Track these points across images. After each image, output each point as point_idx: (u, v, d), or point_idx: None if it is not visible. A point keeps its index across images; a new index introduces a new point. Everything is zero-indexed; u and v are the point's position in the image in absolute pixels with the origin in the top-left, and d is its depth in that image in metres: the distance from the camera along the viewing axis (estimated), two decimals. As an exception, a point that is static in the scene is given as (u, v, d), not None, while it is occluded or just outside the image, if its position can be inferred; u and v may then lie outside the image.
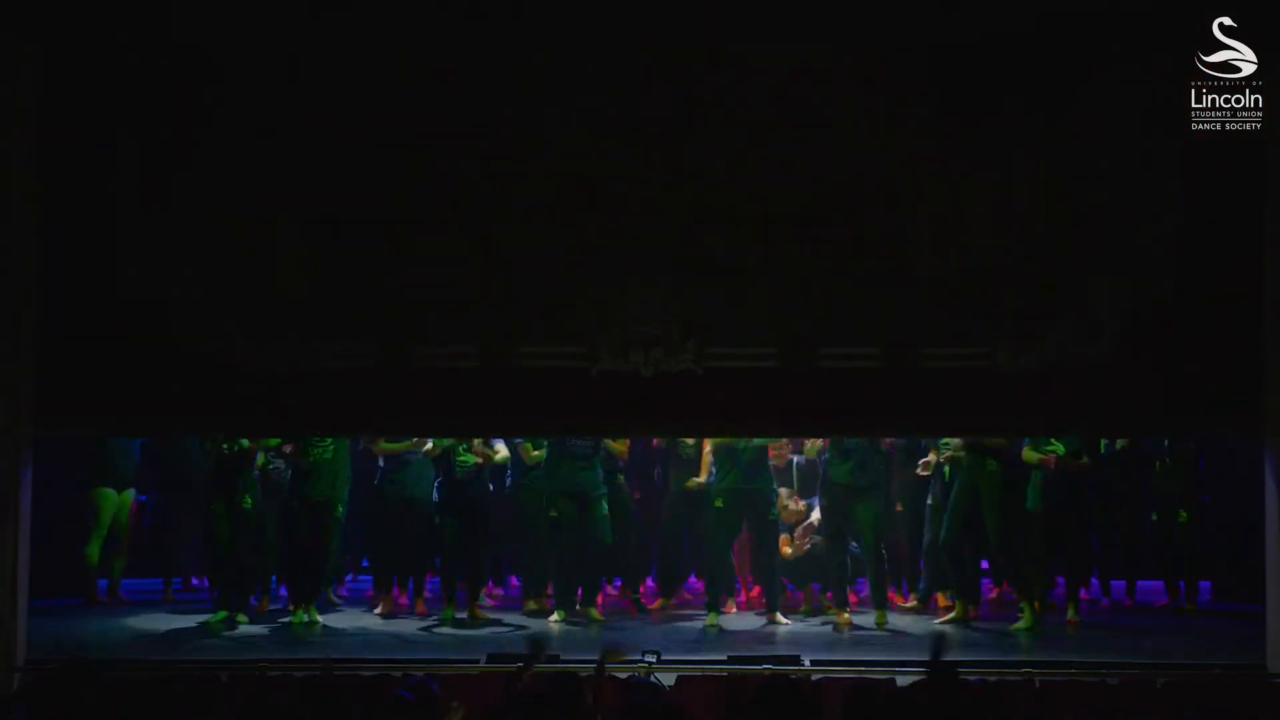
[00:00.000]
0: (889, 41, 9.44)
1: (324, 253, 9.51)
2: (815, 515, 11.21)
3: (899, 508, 11.57)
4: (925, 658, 6.09)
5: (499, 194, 9.49)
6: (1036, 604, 10.76)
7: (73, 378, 9.43)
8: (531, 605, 11.36)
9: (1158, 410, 9.48)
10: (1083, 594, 11.33)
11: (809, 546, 11.22)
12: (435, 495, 11.14)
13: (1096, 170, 9.42)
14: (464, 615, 10.98)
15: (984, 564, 11.52)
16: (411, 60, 9.49)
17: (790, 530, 11.24)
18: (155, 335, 9.42)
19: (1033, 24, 9.37)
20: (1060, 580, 11.39)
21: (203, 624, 10.81)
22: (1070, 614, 10.96)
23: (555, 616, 11.00)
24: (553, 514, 11.07)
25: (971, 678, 7.98)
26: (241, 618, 10.95)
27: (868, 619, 10.96)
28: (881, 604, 11.07)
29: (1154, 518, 11.65)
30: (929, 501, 11.23)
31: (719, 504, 11.06)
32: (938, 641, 6.08)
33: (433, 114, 9.49)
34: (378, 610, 11.32)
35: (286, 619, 10.97)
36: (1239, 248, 9.30)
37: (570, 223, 9.46)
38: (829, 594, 11.32)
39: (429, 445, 11.11)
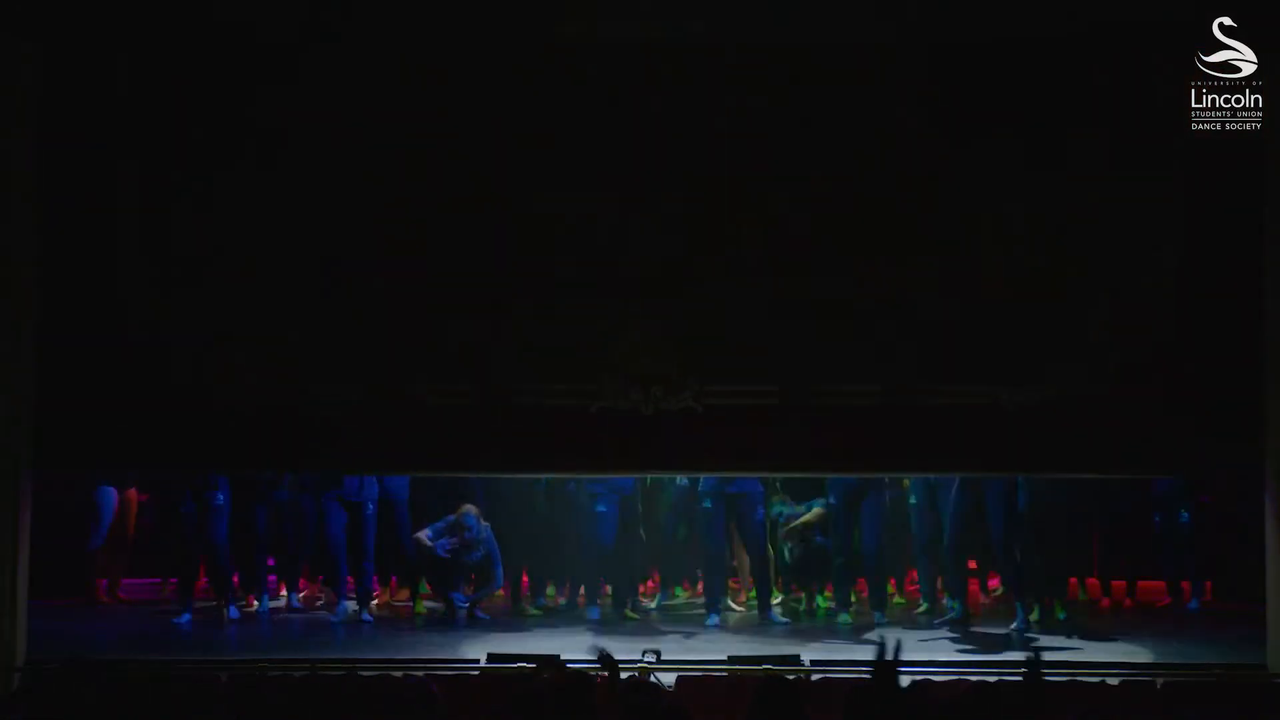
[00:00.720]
0: (887, 39, 9.43)
1: (323, 289, 9.49)
2: (815, 513, 11.21)
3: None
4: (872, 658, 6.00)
5: (498, 230, 9.46)
6: (1035, 603, 10.79)
7: (72, 417, 9.40)
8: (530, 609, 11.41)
9: (1159, 447, 9.46)
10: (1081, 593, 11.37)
11: (809, 547, 11.23)
12: None
13: (1096, 173, 9.42)
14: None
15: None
16: (414, 95, 9.46)
17: (793, 533, 11.24)
18: (154, 370, 9.39)
19: (1032, 25, 9.37)
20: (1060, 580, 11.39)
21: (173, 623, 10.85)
22: (1061, 614, 10.99)
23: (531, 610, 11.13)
24: (601, 509, 11.10)
25: (971, 678, 8.01)
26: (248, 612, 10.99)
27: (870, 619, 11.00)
28: (880, 604, 11.09)
29: (1156, 518, 11.64)
30: (912, 500, 11.24)
31: (706, 504, 11.10)
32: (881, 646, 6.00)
33: (433, 149, 9.47)
34: (375, 604, 11.34)
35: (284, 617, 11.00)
36: (1240, 276, 9.30)
37: (570, 259, 9.45)
38: (829, 592, 11.35)
39: (423, 534, 11.12)
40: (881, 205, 9.43)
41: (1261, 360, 9.23)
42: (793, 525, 11.21)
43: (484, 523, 11.08)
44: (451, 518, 11.05)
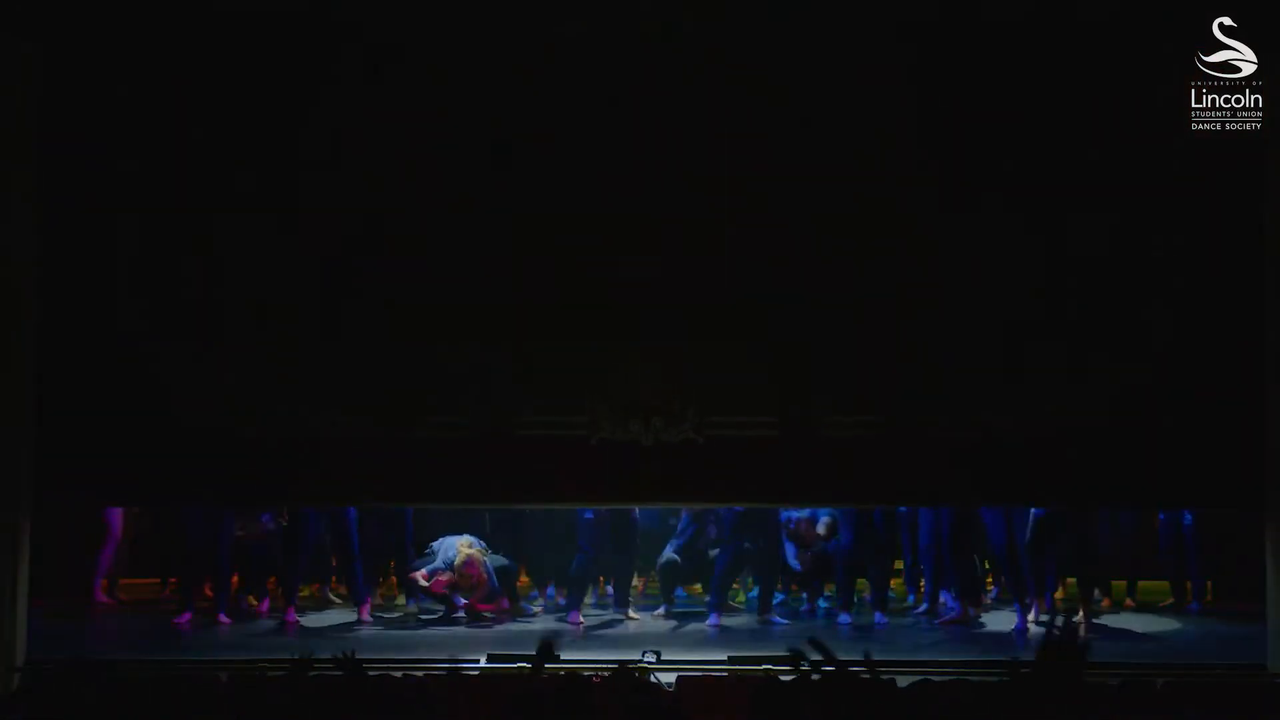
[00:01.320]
0: (884, 40, 9.42)
1: (325, 321, 9.48)
2: (822, 523, 11.18)
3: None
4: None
5: (498, 262, 9.47)
6: (1034, 603, 10.79)
7: (72, 445, 9.40)
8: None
9: (1154, 482, 9.51)
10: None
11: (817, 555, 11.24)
12: None
13: (1096, 175, 9.41)
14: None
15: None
16: (414, 130, 9.47)
17: (799, 542, 11.23)
18: (155, 403, 9.41)
19: (1030, 25, 9.36)
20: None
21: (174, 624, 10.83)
22: (1079, 615, 10.98)
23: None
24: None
25: (972, 678, 8.00)
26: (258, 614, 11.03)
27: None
28: (882, 604, 11.08)
29: (1160, 517, 11.63)
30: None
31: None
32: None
33: (432, 182, 9.47)
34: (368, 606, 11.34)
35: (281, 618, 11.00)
36: (1241, 281, 9.31)
37: (570, 291, 9.46)
38: (829, 589, 11.35)
39: (418, 575, 11.00)
40: (880, 233, 9.42)
41: (1262, 377, 9.22)
42: (802, 534, 11.17)
43: (487, 558, 11.02)
44: (452, 556, 10.95)
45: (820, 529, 11.13)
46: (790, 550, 11.22)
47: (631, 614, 11.12)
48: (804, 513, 11.13)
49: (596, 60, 9.45)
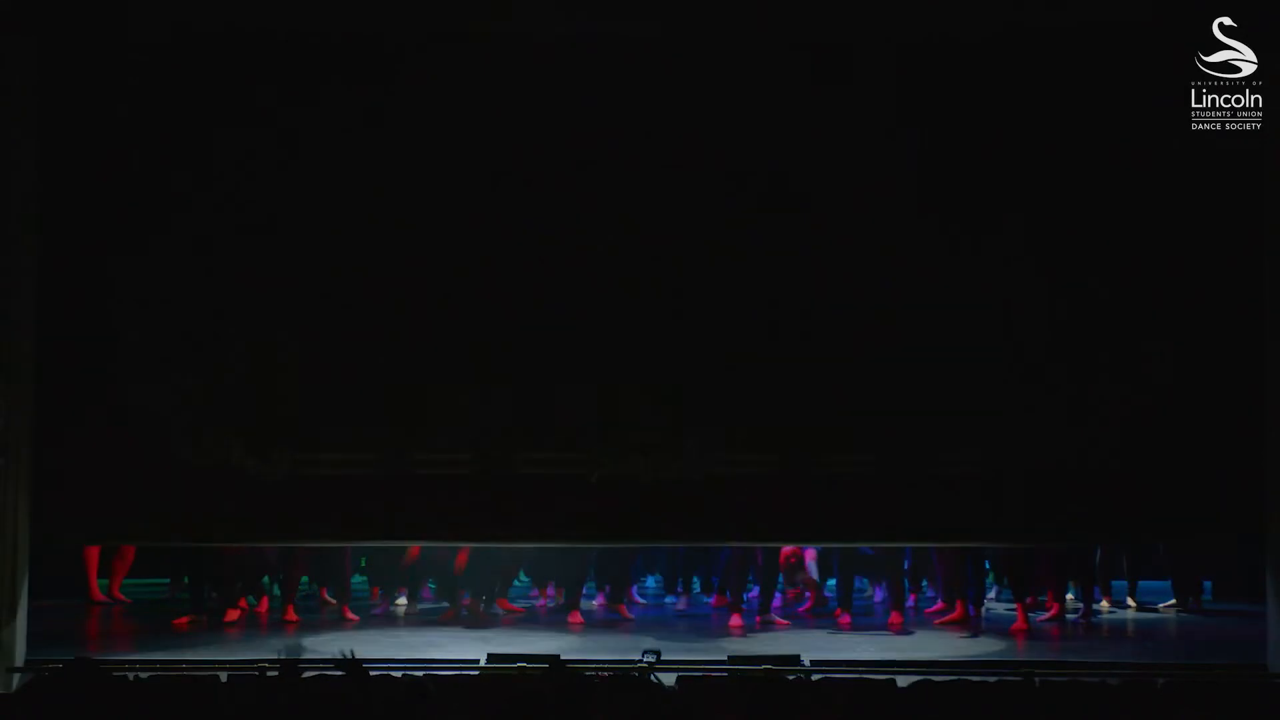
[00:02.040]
0: (880, 40, 9.40)
1: (322, 357, 9.46)
2: (811, 554, 11.19)
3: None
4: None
5: (495, 297, 9.45)
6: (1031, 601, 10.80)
7: (69, 487, 9.37)
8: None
9: (1154, 517, 9.49)
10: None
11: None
12: None
13: (1096, 180, 9.39)
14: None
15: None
16: (411, 153, 9.44)
17: (789, 569, 11.25)
18: (152, 442, 9.37)
19: (1029, 26, 9.34)
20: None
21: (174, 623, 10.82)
22: (1081, 615, 10.99)
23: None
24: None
25: (973, 678, 8.00)
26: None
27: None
28: (899, 603, 11.09)
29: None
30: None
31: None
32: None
33: (428, 214, 9.45)
34: (375, 611, 11.32)
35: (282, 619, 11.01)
36: (1241, 286, 9.28)
37: (569, 327, 9.43)
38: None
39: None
40: (880, 265, 9.39)
41: (1261, 390, 9.21)
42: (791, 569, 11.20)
43: None
44: None
45: (809, 571, 11.14)
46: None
47: (626, 614, 11.12)
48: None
49: (594, 90, 9.41)
